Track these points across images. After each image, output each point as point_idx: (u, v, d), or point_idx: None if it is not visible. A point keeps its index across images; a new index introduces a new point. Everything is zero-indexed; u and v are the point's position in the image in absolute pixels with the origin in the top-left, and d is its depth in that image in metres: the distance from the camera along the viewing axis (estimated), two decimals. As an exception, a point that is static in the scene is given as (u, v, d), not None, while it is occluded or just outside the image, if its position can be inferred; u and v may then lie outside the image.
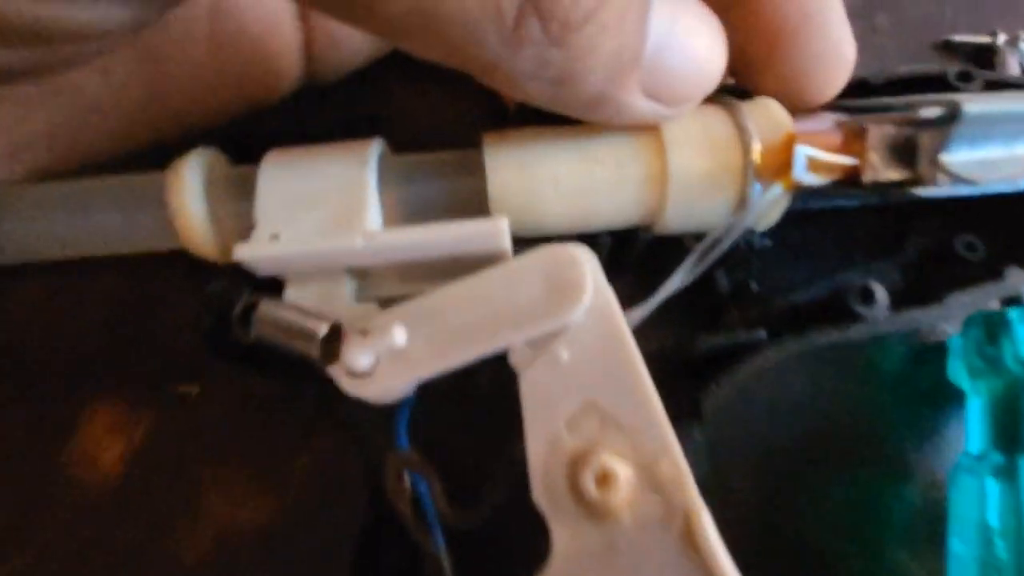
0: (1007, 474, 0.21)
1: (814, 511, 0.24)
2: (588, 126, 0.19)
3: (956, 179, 0.17)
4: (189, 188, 0.18)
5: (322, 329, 0.16)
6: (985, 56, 0.32)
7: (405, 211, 0.19)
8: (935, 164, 0.17)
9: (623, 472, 0.15)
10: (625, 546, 0.16)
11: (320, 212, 0.17)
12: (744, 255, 0.22)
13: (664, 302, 0.18)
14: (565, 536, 0.16)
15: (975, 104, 0.17)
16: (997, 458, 0.22)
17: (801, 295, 0.21)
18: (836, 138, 0.19)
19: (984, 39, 0.32)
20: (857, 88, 0.23)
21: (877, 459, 0.25)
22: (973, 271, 0.20)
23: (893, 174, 0.18)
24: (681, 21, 0.15)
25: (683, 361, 0.20)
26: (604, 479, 0.15)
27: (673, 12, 0.15)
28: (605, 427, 0.16)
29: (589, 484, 0.15)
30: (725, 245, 0.18)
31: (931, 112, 0.17)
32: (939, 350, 0.25)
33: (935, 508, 0.23)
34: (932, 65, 0.24)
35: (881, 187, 0.18)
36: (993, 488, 0.21)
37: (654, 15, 0.14)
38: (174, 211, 0.18)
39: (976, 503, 0.22)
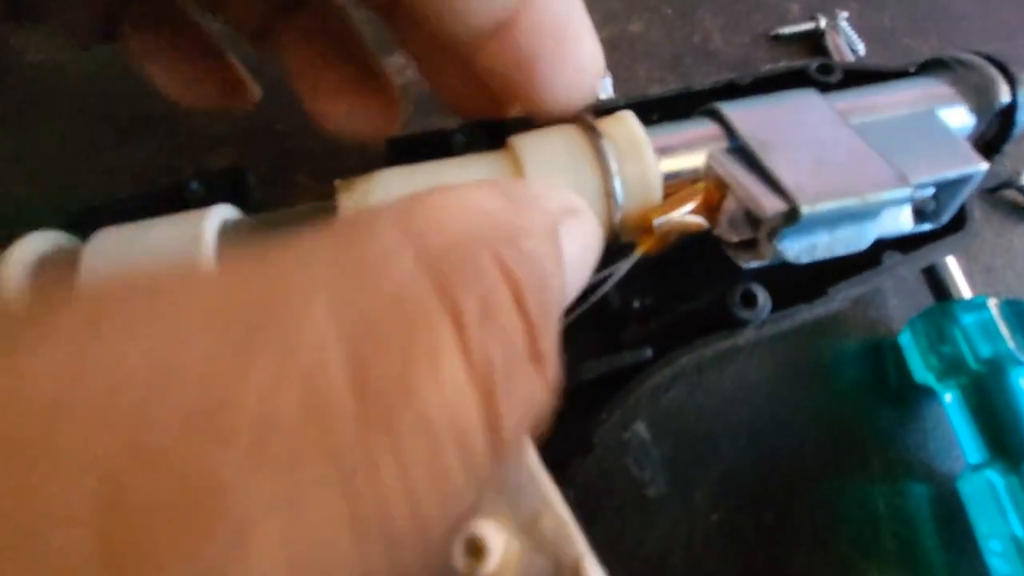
0: (1019, 484, 0.21)
1: (779, 526, 0.24)
2: (442, 161, 0.19)
3: (782, 259, 0.19)
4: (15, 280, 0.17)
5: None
6: (815, 41, 0.33)
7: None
8: (769, 246, 0.18)
9: (496, 539, 0.14)
10: None
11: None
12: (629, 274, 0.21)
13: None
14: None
15: (812, 206, 0.17)
16: (1000, 467, 0.22)
17: (686, 307, 0.20)
18: (698, 194, 0.19)
19: (808, 25, 0.33)
20: (726, 89, 0.23)
21: (843, 467, 0.25)
22: (853, 261, 0.20)
23: (736, 236, 0.19)
24: None
25: (571, 391, 0.19)
26: (475, 550, 0.14)
27: None
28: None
29: (458, 557, 0.14)
30: (596, 297, 0.18)
31: (776, 207, 0.17)
32: (897, 350, 0.26)
33: (901, 518, 0.24)
34: (794, 63, 0.24)
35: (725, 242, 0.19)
36: (1007, 499, 0.21)
37: None
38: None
39: (997, 513, 0.22)
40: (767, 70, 0.24)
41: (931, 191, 0.20)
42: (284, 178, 0.27)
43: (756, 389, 0.26)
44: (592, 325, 0.20)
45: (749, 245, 0.19)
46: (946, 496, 0.24)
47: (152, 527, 0.07)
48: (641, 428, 0.25)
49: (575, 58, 0.19)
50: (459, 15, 0.17)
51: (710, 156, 0.19)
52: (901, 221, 0.20)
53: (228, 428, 0.07)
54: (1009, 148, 0.31)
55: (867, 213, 0.18)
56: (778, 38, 0.32)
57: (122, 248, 0.17)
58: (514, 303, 0.11)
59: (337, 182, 0.18)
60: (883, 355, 0.26)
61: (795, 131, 0.19)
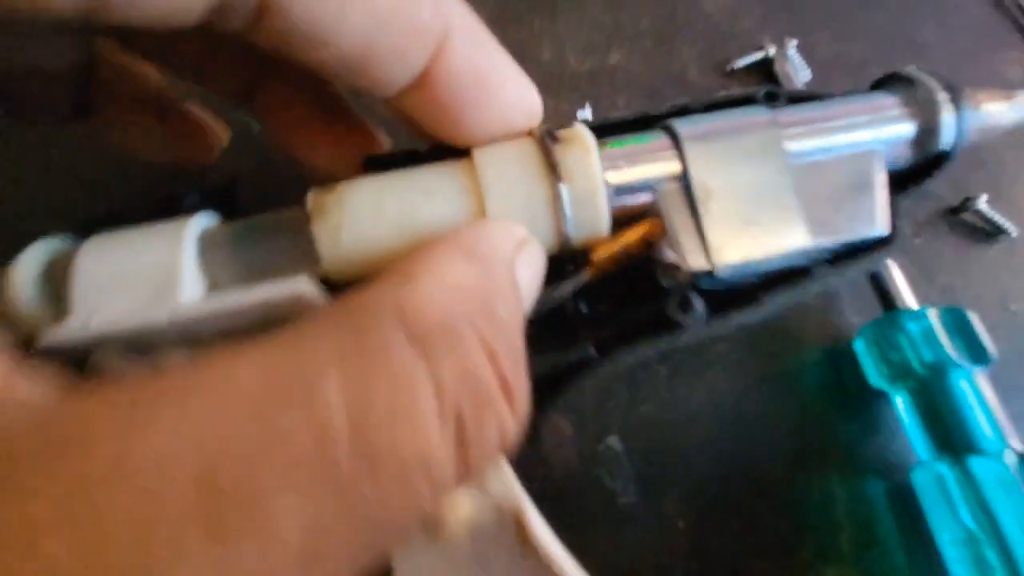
0: (963, 476, 0.23)
1: (744, 533, 0.25)
2: (408, 173, 0.20)
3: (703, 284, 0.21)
4: (23, 282, 0.19)
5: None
6: (768, 69, 0.35)
7: (239, 274, 0.20)
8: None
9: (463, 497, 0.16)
10: (463, 558, 0.17)
11: (136, 291, 0.18)
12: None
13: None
14: (407, 565, 0.17)
15: (727, 265, 0.20)
16: (947, 462, 0.24)
17: (630, 312, 0.22)
18: (642, 229, 0.21)
19: (759, 55, 0.34)
20: (680, 113, 0.24)
21: (805, 471, 0.26)
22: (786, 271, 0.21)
23: (669, 262, 0.21)
24: None
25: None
26: (449, 504, 0.16)
27: None
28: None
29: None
30: (544, 308, 0.20)
31: (696, 265, 0.20)
32: (853, 357, 0.28)
33: (860, 523, 0.25)
34: (745, 89, 0.25)
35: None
36: (956, 490, 0.23)
37: None
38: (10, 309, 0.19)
39: (946, 504, 0.23)
40: (719, 96, 0.25)
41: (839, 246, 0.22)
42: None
43: (724, 403, 0.27)
44: (551, 329, 0.21)
45: (674, 269, 0.21)
46: (902, 491, 0.25)
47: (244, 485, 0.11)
48: (614, 441, 0.27)
49: (500, 101, 0.20)
50: (372, 73, 0.18)
51: (659, 197, 0.21)
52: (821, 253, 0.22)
53: (267, 463, 0.11)
54: (970, 174, 0.33)
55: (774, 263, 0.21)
56: (733, 72, 0.34)
57: (112, 251, 0.19)
58: (488, 361, 0.14)
59: (309, 196, 0.20)
60: (841, 362, 0.28)
61: (737, 169, 0.21)
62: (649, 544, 0.25)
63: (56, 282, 0.19)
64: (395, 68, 0.18)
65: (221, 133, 0.26)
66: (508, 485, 0.17)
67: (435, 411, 0.13)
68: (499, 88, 0.20)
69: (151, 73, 0.24)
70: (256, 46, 0.17)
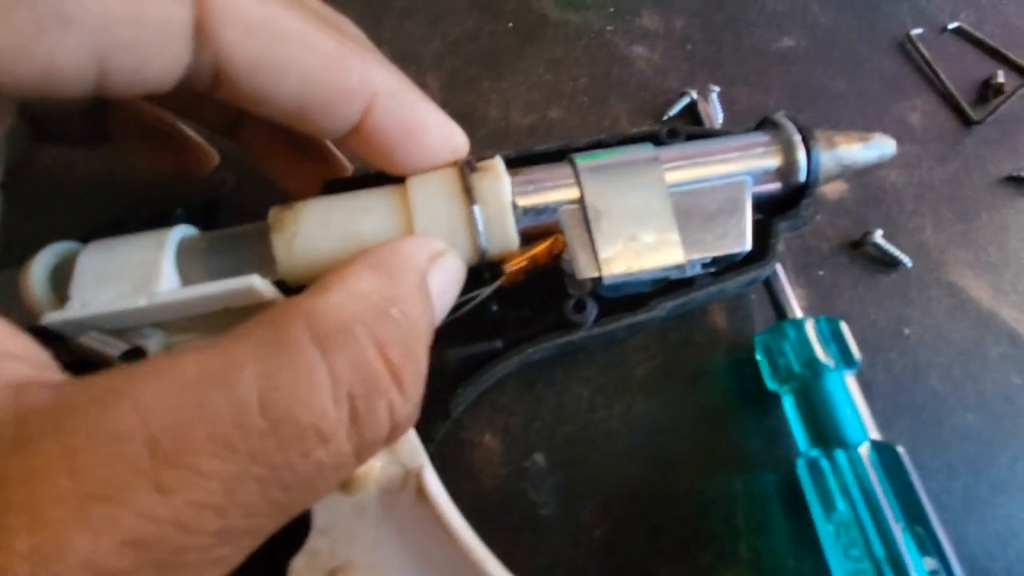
0: (831, 466, 0.26)
1: (651, 540, 0.28)
2: (354, 194, 0.25)
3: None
4: (37, 278, 0.23)
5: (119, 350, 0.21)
6: (693, 111, 0.39)
7: (209, 275, 0.24)
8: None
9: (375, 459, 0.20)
10: (372, 509, 0.20)
11: (123, 284, 0.22)
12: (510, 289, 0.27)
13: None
14: (323, 512, 0.20)
15: (614, 276, 0.24)
16: (820, 453, 0.27)
17: (533, 311, 0.26)
18: (548, 243, 0.25)
19: (685, 100, 0.39)
20: (596, 146, 0.29)
21: (708, 472, 0.29)
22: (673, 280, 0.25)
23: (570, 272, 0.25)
24: None
25: (438, 373, 0.24)
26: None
27: None
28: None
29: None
30: (464, 311, 0.24)
31: (588, 273, 0.25)
32: (755, 363, 0.31)
33: (756, 517, 0.28)
34: (651, 126, 0.30)
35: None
36: (830, 480, 0.26)
37: None
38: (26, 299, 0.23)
39: (821, 494, 0.26)
40: (630, 133, 0.30)
41: (709, 259, 0.26)
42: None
43: (639, 421, 0.30)
44: (473, 327, 0.25)
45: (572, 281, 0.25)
46: (791, 483, 0.28)
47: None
48: (539, 458, 0.29)
49: (426, 143, 0.24)
50: (312, 125, 0.23)
51: (561, 214, 0.25)
52: (691, 268, 0.26)
53: (198, 431, 0.15)
54: (871, 211, 0.36)
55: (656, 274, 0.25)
56: (667, 119, 0.39)
57: (107, 253, 0.23)
58: (378, 353, 0.17)
59: (270, 212, 0.25)
60: (746, 370, 0.31)
61: (625, 195, 0.25)
62: (567, 551, 0.28)
63: (62, 278, 0.23)
64: (330, 122, 0.23)
65: (212, 154, 0.32)
66: (414, 451, 0.21)
67: (330, 393, 0.16)
68: (424, 134, 0.24)
69: (153, 109, 0.29)
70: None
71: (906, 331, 0.33)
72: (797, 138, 0.26)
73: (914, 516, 0.24)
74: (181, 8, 0.19)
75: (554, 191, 0.25)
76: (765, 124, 0.28)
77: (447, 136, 0.25)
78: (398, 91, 0.23)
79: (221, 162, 0.36)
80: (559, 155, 0.28)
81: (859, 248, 0.35)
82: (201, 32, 0.19)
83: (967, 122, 0.40)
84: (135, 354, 0.22)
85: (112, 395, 0.15)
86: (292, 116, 0.22)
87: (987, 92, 0.41)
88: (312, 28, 0.21)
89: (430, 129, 0.24)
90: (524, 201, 0.25)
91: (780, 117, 0.27)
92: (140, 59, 0.19)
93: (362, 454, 0.17)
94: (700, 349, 0.32)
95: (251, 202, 0.34)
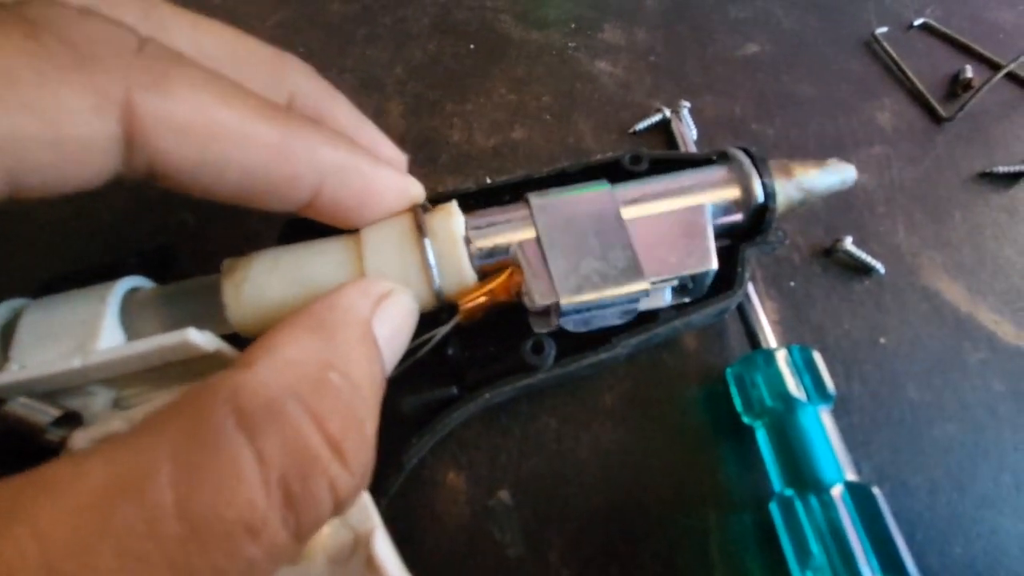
0: (805, 508, 0.25)
1: None
2: (307, 245, 0.24)
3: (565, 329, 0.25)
4: None
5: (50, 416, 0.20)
6: (666, 128, 0.39)
7: (158, 330, 0.23)
8: (554, 319, 0.25)
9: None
10: None
11: (63, 343, 0.22)
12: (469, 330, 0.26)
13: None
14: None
15: (569, 301, 0.24)
16: (795, 493, 0.25)
17: (495, 352, 0.25)
18: (504, 277, 0.25)
19: (657, 117, 0.38)
20: (559, 176, 0.29)
21: (681, 508, 0.27)
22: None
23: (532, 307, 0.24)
24: None
25: (392, 423, 0.24)
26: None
27: None
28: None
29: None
30: (419, 355, 0.23)
31: (545, 300, 0.24)
32: (728, 395, 0.29)
33: (730, 555, 0.26)
34: (613, 155, 0.29)
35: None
36: (804, 521, 0.25)
37: None
38: None
39: (795, 537, 0.25)
40: (593, 160, 0.29)
41: (675, 282, 0.25)
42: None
43: (609, 452, 0.29)
44: (432, 371, 0.25)
45: (543, 314, 0.25)
46: (766, 519, 0.26)
47: None
48: (505, 496, 0.28)
49: (380, 205, 0.24)
50: (263, 206, 0.22)
51: (517, 247, 0.25)
52: (662, 298, 0.25)
53: (104, 549, 0.13)
54: (841, 218, 0.36)
55: (621, 300, 0.24)
56: (636, 133, 0.38)
57: (49, 311, 0.23)
58: (315, 428, 0.16)
59: (224, 264, 0.24)
60: (719, 401, 0.30)
61: (582, 228, 0.25)
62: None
63: (10, 337, 0.23)
64: (279, 204, 0.22)
65: None
66: (365, 514, 0.20)
67: (259, 481, 0.15)
68: (379, 199, 0.24)
69: None
70: None
71: (882, 340, 0.32)
72: (751, 170, 0.26)
73: (889, 563, 0.22)
74: (104, 124, 0.18)
75: (509, 230, 0.25)
76: (722, 157, 0.28)
77: (401, 192, 0.25)
78: (346, 165, 0.23)
79: (180, 203, 0.35)
80: (518, 187, 0.27)
81: (831, 256, 0.35)
82: (131, 142, 0.18)
83: (937, 119, 0.39)
84: (68, 419, 0.21)
85: (6, 518, 0.14)
86: (239, 200, 0.22)
87: (956, 88, 0.40)
88: (251, 120, 0.20)
89: (384, 192, 0.24)
90: (481, 241, 0.25)
91: (734, 151, 0.27)
92: (58, 175, 0.18)
93: (303, 536, 0.16)
94: (671, 372, 0.31)
95: (211, 243, 0.34)
